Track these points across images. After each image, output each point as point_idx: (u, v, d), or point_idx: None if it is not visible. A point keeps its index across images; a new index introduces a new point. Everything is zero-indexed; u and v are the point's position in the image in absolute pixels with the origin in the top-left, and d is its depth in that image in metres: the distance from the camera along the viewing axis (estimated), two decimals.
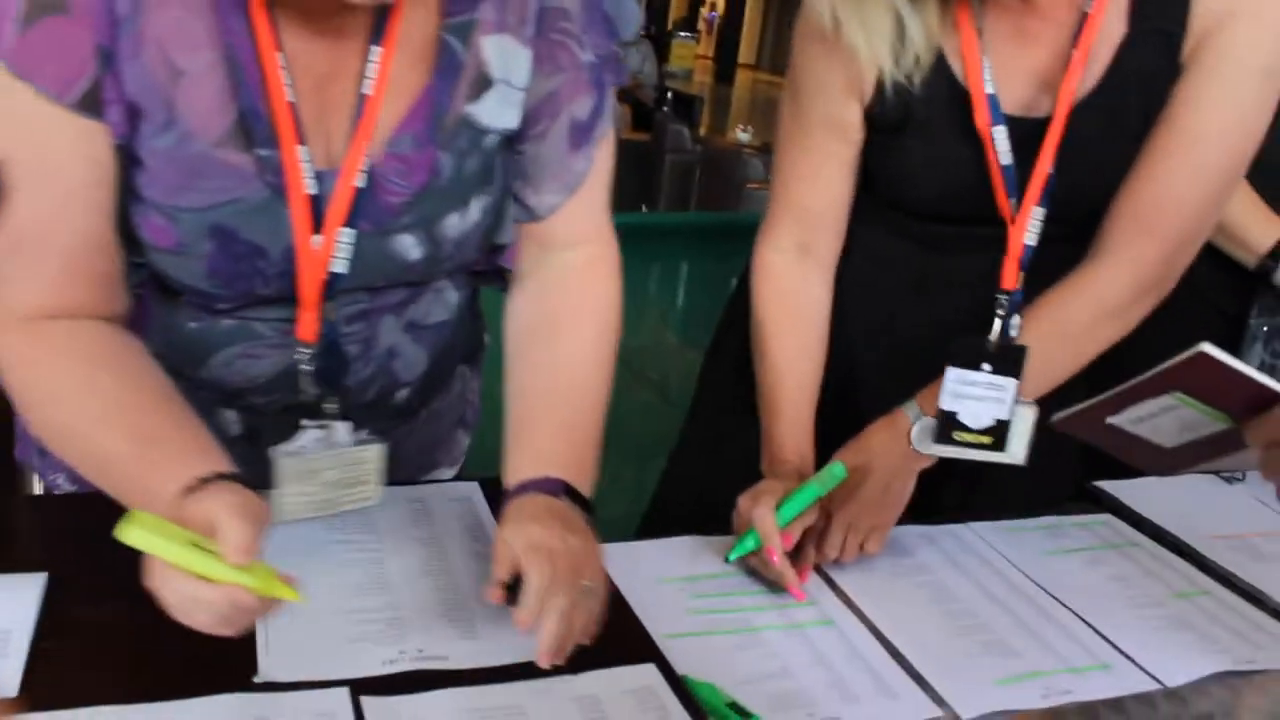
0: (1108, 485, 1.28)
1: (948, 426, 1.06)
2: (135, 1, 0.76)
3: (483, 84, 0.91)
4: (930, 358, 1.06)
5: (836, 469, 1.04)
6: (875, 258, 1.20)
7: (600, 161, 1.00)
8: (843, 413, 1.17)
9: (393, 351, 1.01)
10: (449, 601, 0.90)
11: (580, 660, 0.82)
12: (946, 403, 1.05)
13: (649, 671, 0.84)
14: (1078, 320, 1.08)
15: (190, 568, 0.68)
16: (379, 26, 0.85)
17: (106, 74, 0.76)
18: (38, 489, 1.08)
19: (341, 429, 0.96)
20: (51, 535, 0.97)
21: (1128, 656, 0.96)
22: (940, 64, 1.07)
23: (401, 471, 1.06)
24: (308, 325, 0.92)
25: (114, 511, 0.99)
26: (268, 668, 0.79)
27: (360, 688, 0.75)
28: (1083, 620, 1.01)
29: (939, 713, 0.85)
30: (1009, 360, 1.04)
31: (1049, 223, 1.07)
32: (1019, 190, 1.06)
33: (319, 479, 0.96)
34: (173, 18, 0.77)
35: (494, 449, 0.96)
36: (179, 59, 0.78)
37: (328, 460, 0.95)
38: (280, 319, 0.93)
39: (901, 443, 1.07)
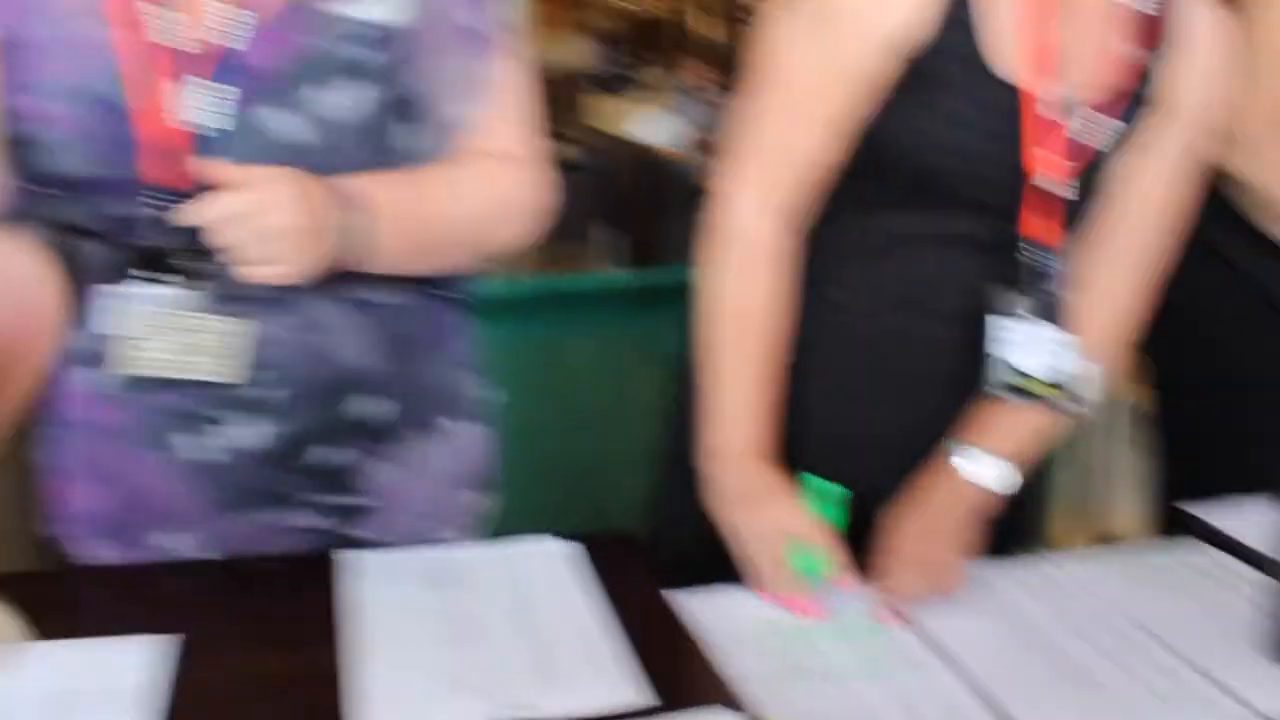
0: (1194, 509, 1.24)
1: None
2: None
3: None
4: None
5: (826, 486, 1.07)
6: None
7: (510, 75, 1.06)
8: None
9: None
10: (540, 654, 0.91)
11: (663, 705, 0.85)
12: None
13: None
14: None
15: None
16: None
17: None
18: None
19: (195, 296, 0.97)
20: (181, 598, 1.01)
21: (1229, 692, 0.93)
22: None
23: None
24: None
25: (237, 578, 1.05)
26: None
27: None
28: (1177, 655, 0.98)
29: None
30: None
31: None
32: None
33: (178, 339, 0.96)
34: None
35: None
36: None
37: (192, 322, 0.96)
38: None
39: (960, 486, 1.10)
